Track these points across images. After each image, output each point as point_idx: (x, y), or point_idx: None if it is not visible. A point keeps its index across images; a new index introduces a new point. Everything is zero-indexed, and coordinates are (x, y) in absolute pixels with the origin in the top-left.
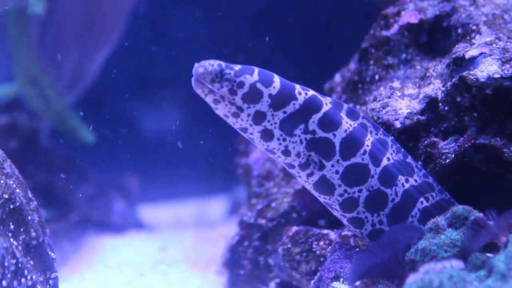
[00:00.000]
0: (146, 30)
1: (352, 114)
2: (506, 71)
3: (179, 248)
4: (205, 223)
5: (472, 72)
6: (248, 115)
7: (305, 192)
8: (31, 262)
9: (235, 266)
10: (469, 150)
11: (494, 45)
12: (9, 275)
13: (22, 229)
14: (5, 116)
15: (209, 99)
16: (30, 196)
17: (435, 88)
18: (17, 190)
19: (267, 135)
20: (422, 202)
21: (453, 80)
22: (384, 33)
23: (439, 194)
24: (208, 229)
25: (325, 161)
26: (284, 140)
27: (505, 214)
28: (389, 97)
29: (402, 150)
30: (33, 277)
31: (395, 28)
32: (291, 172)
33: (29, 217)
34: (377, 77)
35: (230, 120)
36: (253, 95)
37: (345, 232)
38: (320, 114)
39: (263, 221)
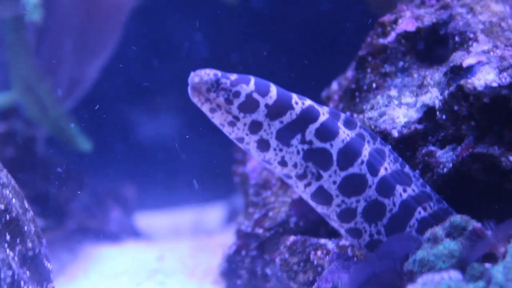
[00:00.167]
0: (143, 37)
1: (349, 124)
2: (503, 80)
3: (176, 257)
4: (202, 231)
5: (469, 81)
6: (244, 124)
7: (303, 201)
8: (28, 273)
9: (232, 276)
10: (467, 159)
11: (492, 53)
12: (5, 287)
13: (18, 240)
14: (1, 124)
15: (205, 108)
16: (27, 206)
17: (432, 96)
18: (14, 201)
19: (263, 145)
20: (420, 212)
21: (451, 88)
22: (381, 41)
23: (437, 203)
24: (206, 237)
25: (323, 171)
26: (281, 150)
27: (504, 224)
28: (386, 106)
29: (400, 159)
30: None
31: (392, 36)
32: (288, 183)
33: (26, 228)
34: (374, 85)
35: (226, 130)
36: (249, 105)
37: (343, 242)
38: (317, 124)
39: (260, 231)
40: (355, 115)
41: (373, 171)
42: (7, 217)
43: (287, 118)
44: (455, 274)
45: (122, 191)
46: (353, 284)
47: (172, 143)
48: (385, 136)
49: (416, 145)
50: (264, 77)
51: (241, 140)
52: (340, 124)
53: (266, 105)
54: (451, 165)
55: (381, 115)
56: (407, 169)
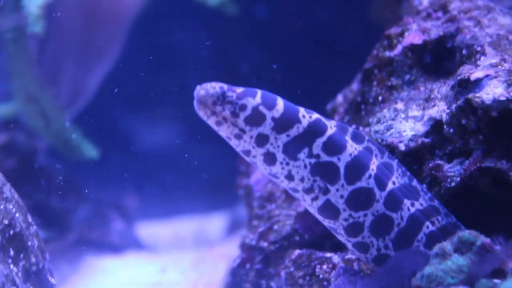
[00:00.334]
0: (145, 46)
1: (357, 138)
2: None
3: (179, 269)
4: (204, 242)
5: (477, 95)
6: (251, 137)
7: (308, 214)
8: None
9: None
10: (475, 173)
11: (500, 67)
12: None
13: (22, 255)
14: (3, 135)
15: (211, 121)
16: (30, 220)
17: (439, 110)
18: (17, 215)
19: (270, 158)
20: (428, 226)
21: (458, 102)
22: (387, 53)
23: (445, 217)
24: (208, 248)
25: (330, 185)
26: (288, 164)
27: None
28: (393, 119)
29: (408, 173)
30: None
31: (398, 48)
32: (294, 196)
33: (29, 243)
34: (380, 98)
35: (233, 142)
36: (255, 118)
37: (349, 256)
38: (324, 138)
39: (265, 244)
40: (361, 128)
41: (381, 185)
42: (11, 232)
43: (294, 131)
44: None
45: (124, 201)
46: None
47: (175, 153)
48: (391, 149)
49: (423, 158)
50: (269, 90)
51: (247, 153)
52: (347, 137)
53: (273, 118)
54: (458, 179)
55: (388, 128)
56: (415, 183)
